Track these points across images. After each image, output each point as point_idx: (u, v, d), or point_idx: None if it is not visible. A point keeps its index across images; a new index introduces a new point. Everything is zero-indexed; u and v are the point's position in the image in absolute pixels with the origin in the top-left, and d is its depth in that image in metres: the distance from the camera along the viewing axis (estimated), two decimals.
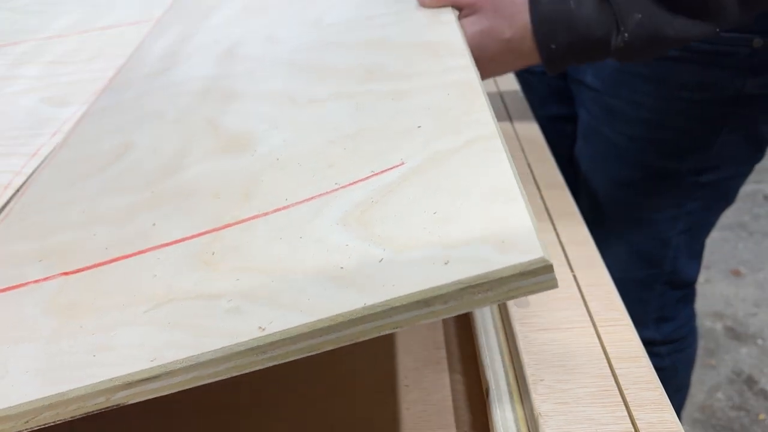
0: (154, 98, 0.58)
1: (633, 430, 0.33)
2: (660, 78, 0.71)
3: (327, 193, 0.35)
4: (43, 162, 0.54)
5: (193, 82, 0.58)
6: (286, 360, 0.28)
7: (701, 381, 1.45)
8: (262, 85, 0.51)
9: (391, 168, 0.35)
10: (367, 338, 0.27)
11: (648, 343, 0.89)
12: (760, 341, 1.54)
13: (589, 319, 0.39)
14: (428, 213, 0.30)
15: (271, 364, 0.28)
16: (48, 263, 0.39)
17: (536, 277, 0.26)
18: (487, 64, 0.57)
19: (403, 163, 0.35)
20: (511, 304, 0.38)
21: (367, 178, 0.35)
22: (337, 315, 0.26)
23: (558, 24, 0.54)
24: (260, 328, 0.27)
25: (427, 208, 0.30)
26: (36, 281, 0.38)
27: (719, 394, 1.42)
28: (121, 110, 0.58)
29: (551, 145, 0.65)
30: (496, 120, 0.35)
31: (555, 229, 0.46)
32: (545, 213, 0.48)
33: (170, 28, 0.77)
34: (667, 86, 0.71)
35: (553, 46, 0.55)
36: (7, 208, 0.48)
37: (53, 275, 0.38)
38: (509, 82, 0.79)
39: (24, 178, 0.53)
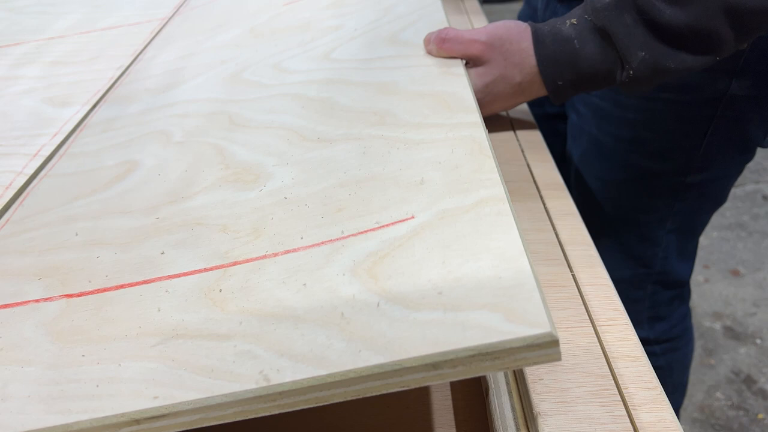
0: (158, 116, 0.58)
1: (632, 429, 0.33)
2: None
3: (337, 239, 0.36)
4: (43, 166, 0.54)
5: (200, 103, 0.58)
6: (294, 408, 0.28)
7: (700, 380, 1.46)
8: (271, 117, 0.52)
9: (401, 221, 0.36)
10: (374, 394, 0.28)
11: (642, 342, 0.90)
12: (759, 341, 1.56)
13: (588, 318, 0.40)
14: (438, 273, 0.31)
15: (278, 411, 0.28)
16: (48, 282, 0.39)
17: (542, 350, 0.27)
18: (496, 104, 0.60)
19: (413, 217, 0.36)
20: None
21: (378, 228, 0.36)
22: (348, 371, 0.27)
23: (562, 64, 0.57)
24: (269, 376, 0.28)
25: (436, 268, 0.31)
26: (36, 300, 0.38)
27: (718, 394, 1.43)
28: (124, 125, 0.58)
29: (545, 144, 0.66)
30: (504, 183, 0.36)
31: (554, 229, 0.47)
32: (545, 213, 0.49)
33: (175, 42, 0.77)
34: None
35: (560, 83, 0.57)
36: (5, 216, 0.48)
37: (55, 296, 0.38)
38: None
39: (25, 178, 0.53)
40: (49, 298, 0.38)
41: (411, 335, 0.28)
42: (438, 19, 0.62)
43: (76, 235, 0.43)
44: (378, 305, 0.30)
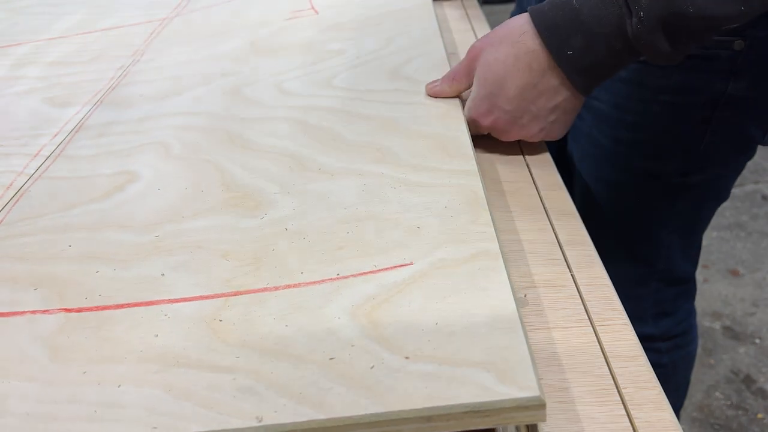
0: (157, 125, 0.59)
1: (631, 428, 0.33)
2: (639, 81, 0.70)
3: (337, 279, 0.37)
4: (40, 166, 0.55)
5: (200, 117, 0.59)
6: None
7: (699, 380, 1.46)
8: (272, 140, 0.53)
9: (400, 266, 0.37)
10: None
11: (647, 339, 0.90)
12: (758, 341, 1.56)
13: (587, 318, 0.40)
14: (435, 326, 0.33)
15: None
16: (46, 293, 0.40)
17: (530, 411, 0.29)
18: (529, 119, 0.55)
19: (411, 264, 0.37)
20: None
21: (376, 271, 0.37)
22: (346, 417, 0.29)
23: (566, 28, 0.51)
24: (269, 416, 0.29)
25: (433, 319, 0.33)
26: (33, 312, 0.39)
27: (717, 394, 1.44)
28: (121, 131, 0.59)
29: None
30: (498, 237, 0.38)
31: (553, 229, 0.47)
32: (544, 213, 0.49)
33: (174, 46, 0.78)
34: (646, 90, 0.70)
35: (569, 53, 0.51)
36: (0, 215, 0.49)
37: (53, 309, 0.39)
38: None
39: (26, 178, 0.53)
40: (47, 310, 0.39)
41: (408, 387, 0.30)
42: (438, 58, 0.64)
43: (74, 246, 0.44)
44: (377, 354, 0.32)
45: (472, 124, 0.56)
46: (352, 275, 0.37)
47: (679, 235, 0.82)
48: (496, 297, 0.34)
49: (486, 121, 0.55)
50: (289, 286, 0.37)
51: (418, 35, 0.71)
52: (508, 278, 0.35)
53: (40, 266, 0.43)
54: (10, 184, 0.53)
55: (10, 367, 0.35)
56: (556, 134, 0.57)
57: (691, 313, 0.95)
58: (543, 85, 0.53)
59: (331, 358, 0.32)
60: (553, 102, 0.54)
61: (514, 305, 0.33)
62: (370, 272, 0.37)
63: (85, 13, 0.93)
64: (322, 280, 0.37)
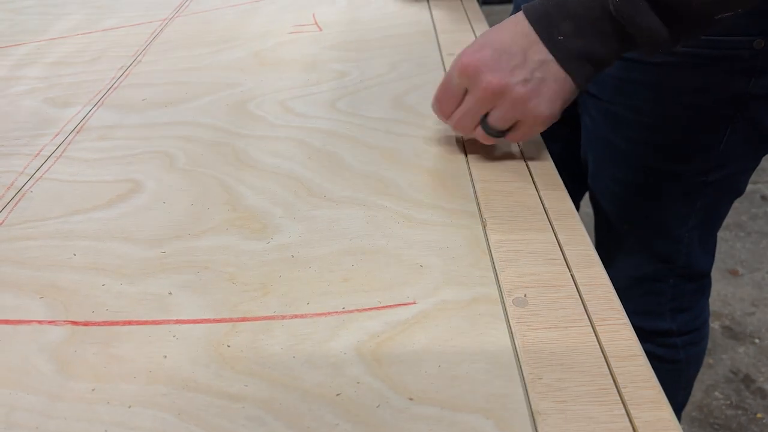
0: (160, 134, 0.60)
1: (631, 428, 0.33)
2: (659, 84, 0.70)
3: (342, 312, 0.39)
4: (40, 167, 0.55)
5: (204, 129, 0.60)
6: None
7: (699, 380, 1.46)
8: (278, 161, 0.54)
9: (404, 304, 0.39)
10: None
11: (664, 334, 0.91)
12: (757, 340, 1.56)
13: (587, 317, 0.40)
14: (438, 368, 0.34)
15: None
16: (51, 303, 0.41)
17: None
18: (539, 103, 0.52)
19: (414, 303, 0.39)
20: (510, 303, 0.39)
21: (380, 308, 0.39)
22: None
23: (554, 14, 0.51)
24: None
25: (436, 362, 0.35)
26: (40, 322, 0.39)
27: (717, 393, 1.44)
28: (124, 136, 0.60)
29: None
30: (499, 281, 0.40)
31: (553, 229, 0.47)
32: (544, 213, 0.49)
33: (176, 50, 0.78)
34: (666, 91, 0.70)
35: (560, 38, 0.51)
36: (1, 216, 0.49)
37: (59, 321, 0.39)
38: None
39: (26, 178, 0.54)
40: (54, 321, 0.40)
41: (411, 429, 0.31)
42: None
43: (78, 255, 0.45)
44: (382, 393, 0.33)
45: (458, 70, 0.52)
46: (357, 310, 0.39)
47: (698, 231, 0.82)
48: (496, 344, 0.36)
49: (472, 58, 0.52)
50: (296, 316, 0.39)
51: (421, 62, 0.73)
52: (507, 325, 0.37)
53: (44, 273, 0.43)
54: (11, 184, 0.53)
55: (15, 378, 0.36)
56: (541, 104, 0.52)
57: (706, 308, 0.95)
58: (536, 49, 0.52)
59: (337, 394, 0.33)
60: (544, 57, 0.52)
61: (512, 354, 0.35)
62: (375, 308, 0.39)
63: (85, 14, 0.93)
64: (328, 313, 0.39)
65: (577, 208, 1.06)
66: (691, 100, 0.70)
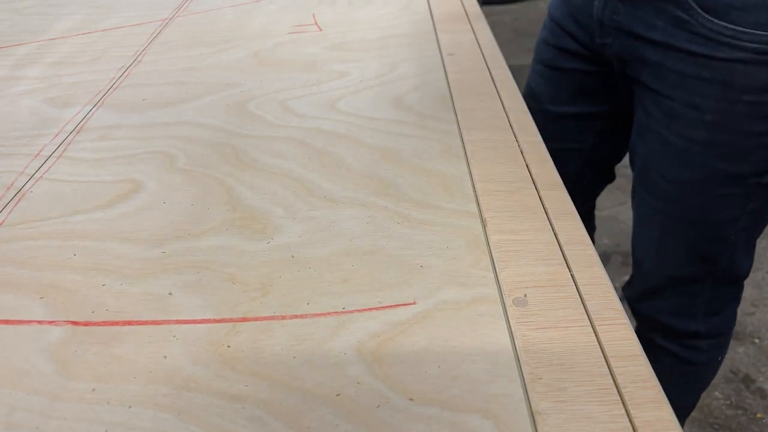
0: (161, 134, 0.60)
1: (631, 428, 0.33)
2: (725, 81, 0.69)
3: (342, 312, 0.39)
4: (41, 167, 0.55)
5: (204, 129, 0.60)
6: None
7: None
8: (278, 161, 0.54)
9: (404, 305, 0.39)
10: None
11: (693, 336, 0.90)
12: (757, 340, 1.56)
13: (587, 318, 0.40)
14: (438, 369, 0.34)
15: None
16: (51, 303, 0.41)
17: None
18: None
19: (414, 303, 0.39)
20: (510, 303, 0.39)
21: (380, 308, 0.39)
22: None
23: None
24: None
25: (436, 362, 0.35)
26: (40, 322, 0.39)
27: (717, 393, 1.44)
28: (124, 137, 0.60)
29: (573, 141, 0.60)
30: (499, 281, 0.40)
31: (553, 229, 0.47)
32: (543, 213, 0.49)
33: (176, 50, 0.78)
34: (732, 89, 0.69)
35: None
36: (2, 216, 0.49)
37: (59, 321, 0.39)
38: (508, 82, 0.75)
39: (27, 178, 0.54)
40: (54, 321, 0.40)
41: (411, 429, 0.31)
42: (439, 90, 0.66)
43: (78, 255, 0.45)
44: (382, 393, 0.33)
45: None
46: (357, 310, 0.39)
47: (745, 233, 0.81)
48: (496, 344, 0.36)
49: None
50: (295, 317, 0.39)
51: (421, 63, 0.73)
52: (507, 325, 0.37)
53: (44, 274, 0.43)
54: (11, 184, 0.53)
55: (16, 378, 0.36)
56: None
57: (735, 313, 0.94)
58: None
59: (338, 394, 0.33)
60: None
61: (512, 354, 0.35)
62: (375, 309, 0.39)
63: (85, 14, 0.93)
64: (328, 313, 0.39)
65: (596, 196, 1.06)
66: (755, 99, 0.69)
